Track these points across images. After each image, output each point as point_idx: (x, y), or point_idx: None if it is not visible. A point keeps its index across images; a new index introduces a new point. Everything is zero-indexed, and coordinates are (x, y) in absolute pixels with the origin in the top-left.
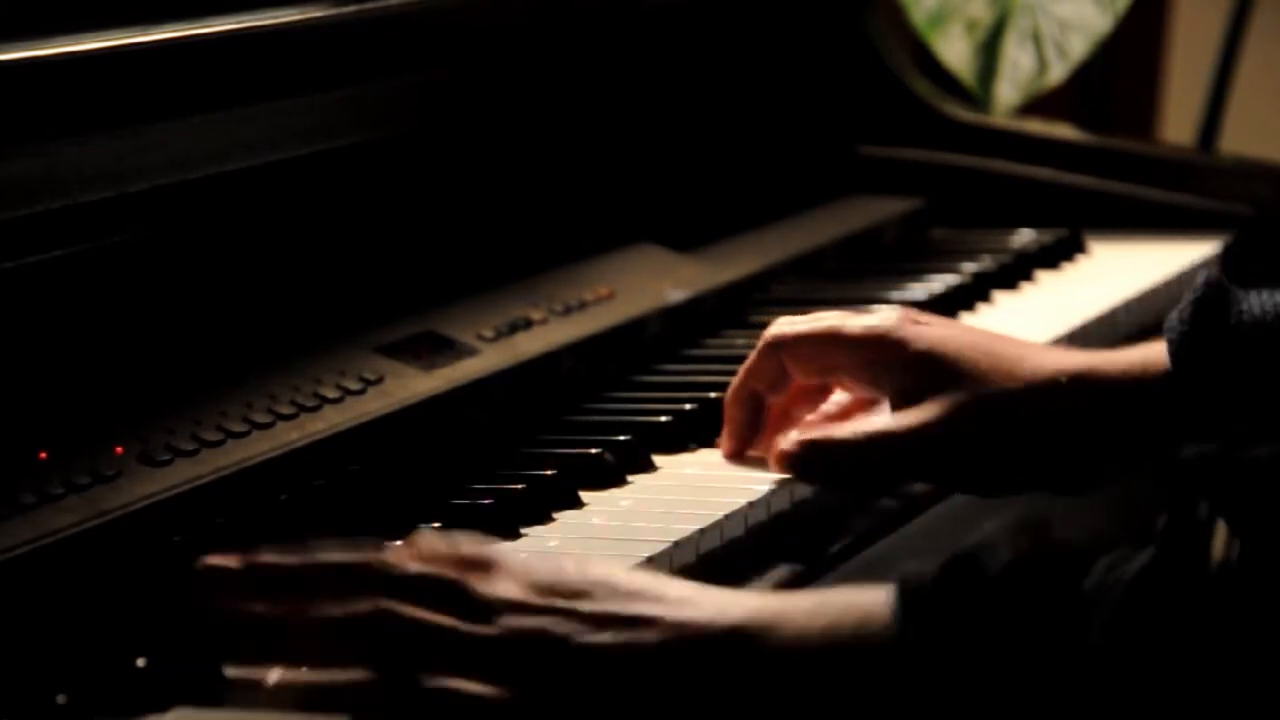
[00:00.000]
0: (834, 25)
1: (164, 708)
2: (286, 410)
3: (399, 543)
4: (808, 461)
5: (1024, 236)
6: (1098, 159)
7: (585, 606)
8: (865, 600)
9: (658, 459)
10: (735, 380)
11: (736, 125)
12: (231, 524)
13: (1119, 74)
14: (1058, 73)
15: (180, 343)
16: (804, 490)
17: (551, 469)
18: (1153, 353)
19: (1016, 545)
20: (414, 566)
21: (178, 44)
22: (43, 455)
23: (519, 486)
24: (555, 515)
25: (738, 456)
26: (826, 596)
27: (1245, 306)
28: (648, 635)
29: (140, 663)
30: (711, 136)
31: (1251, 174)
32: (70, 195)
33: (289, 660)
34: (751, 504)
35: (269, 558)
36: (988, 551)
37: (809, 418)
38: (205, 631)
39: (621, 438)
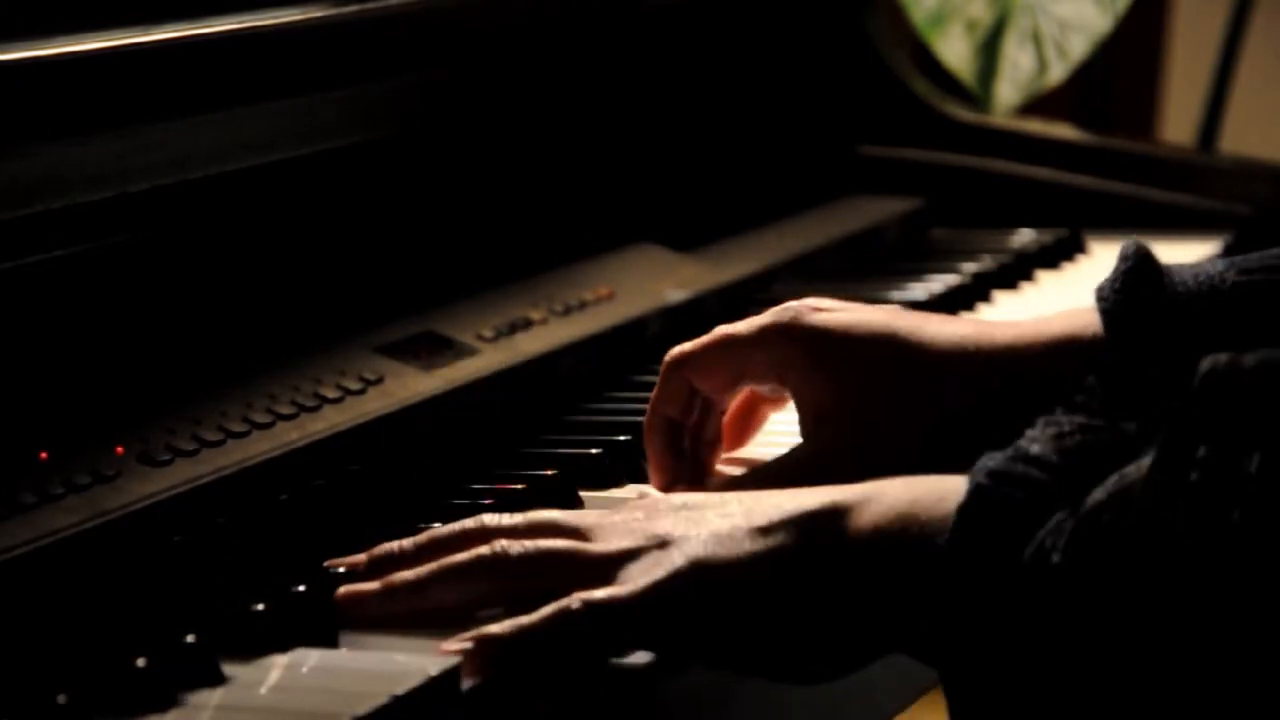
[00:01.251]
0: (834, 25)
1: (164, 707)
2: (286, 410)
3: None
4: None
5: (1024, 236)
6: (1098, 159)
7: (688, 513)
8: (948, 483)
9: None
10: (647, 411)
11: (736, 125)
12: (231, 524)
13: (1119, 74)
14: (1058, 73)
15: (180, 343)
16: None
17: (551, 469)
18: (1079, 322)
19: (1073, 433)
20: (517, 517)
21: (178, 44)
22: (43, 455)
23: (519, 486)
24: None
25: (669, 489)
26: (916, 479)
27: (1178, 278)
28: (755, 517)
29: (140, 663)
30: (711, 136)
31: (1251, 174)
32: (70, 195)
33: (417, 615)
34: None
35: (386, 546)
36: (1041, 435)
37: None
38: (207, 632)
39: (621, 438)
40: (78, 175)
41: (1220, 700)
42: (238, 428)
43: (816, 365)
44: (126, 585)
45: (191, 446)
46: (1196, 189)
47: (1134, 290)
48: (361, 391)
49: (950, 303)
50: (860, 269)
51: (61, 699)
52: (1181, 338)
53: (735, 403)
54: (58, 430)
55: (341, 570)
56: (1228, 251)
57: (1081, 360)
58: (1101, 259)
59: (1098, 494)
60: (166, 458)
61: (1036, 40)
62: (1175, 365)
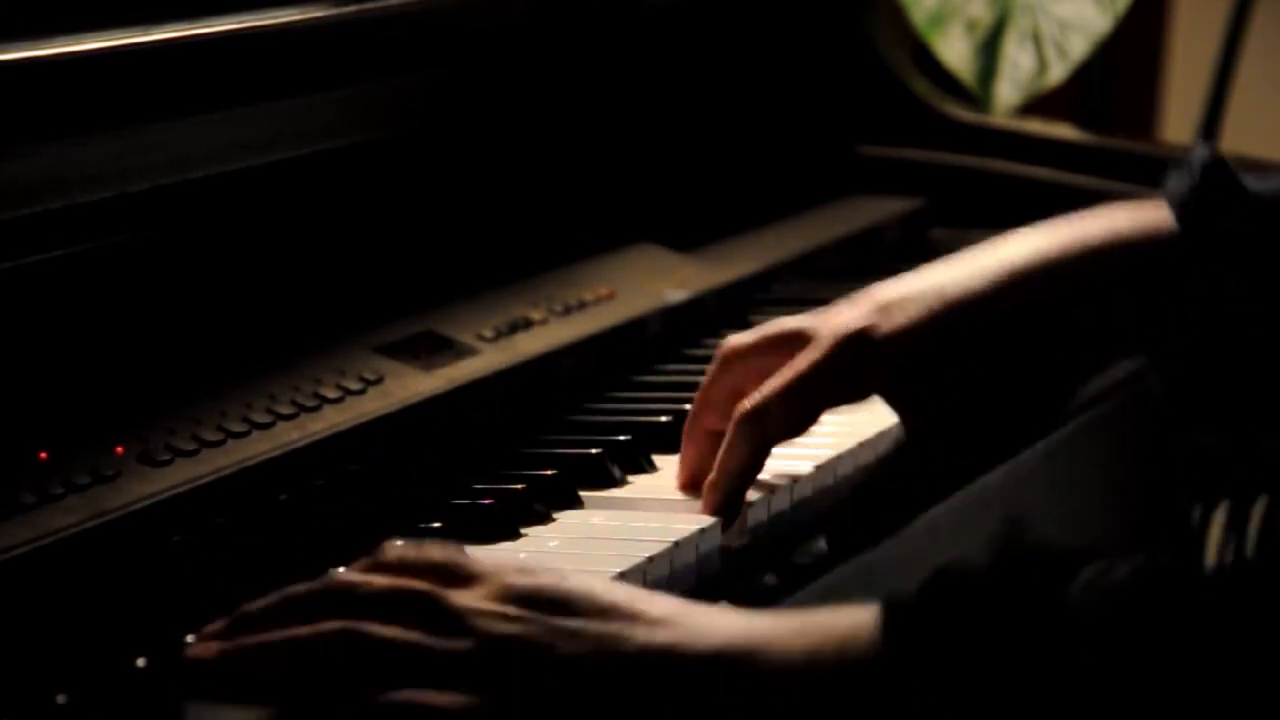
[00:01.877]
0: (834, 25)
1: (164, 708)
2: (286, 410)
3: (364, 560)
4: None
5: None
6: (1098, 159)
7: (561, 620)
8: (848, 620)
9: (658, 459)
10: (693, 408)
11: (736, 125)
12: (231, 524)
13: (1119, 74)
14: (1058, 73)
15: (180, 343)
16: (804, 490)
17: (551, 469)
18: (1149, 219)
19: (998, 554)
20: (380, 582)
21: (178, 44)
22: (43, 455)
23: (519, 486)
24: (555, 515)
25: (692, 488)
26: (810, 617)
27: (1251, 184)
28: (627, 650)
29: (140, 663)
30: (711, 136)
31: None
32: (70, 195)
33: (265, 694)
34: (751, 504)
35: (246, 608)
36: (969, 562)
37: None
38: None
39: (621, 438)
40: (78, 175)
41: None
42: (238, 428)
43: (895, 378)
44: (126, 585)
45: (191, 446)
46: None
47: (1209, 189)
48: (361, 391)
49: None
50: (860, 269)
51: (61, 699)
52: (1259, 244)
53: None
54: (58, 430)
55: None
56: None
57: (1155, 253)
58: None
59: (1083, 603)
60: (166, 458)
61: (1036, 40)
62: (1246, 269)
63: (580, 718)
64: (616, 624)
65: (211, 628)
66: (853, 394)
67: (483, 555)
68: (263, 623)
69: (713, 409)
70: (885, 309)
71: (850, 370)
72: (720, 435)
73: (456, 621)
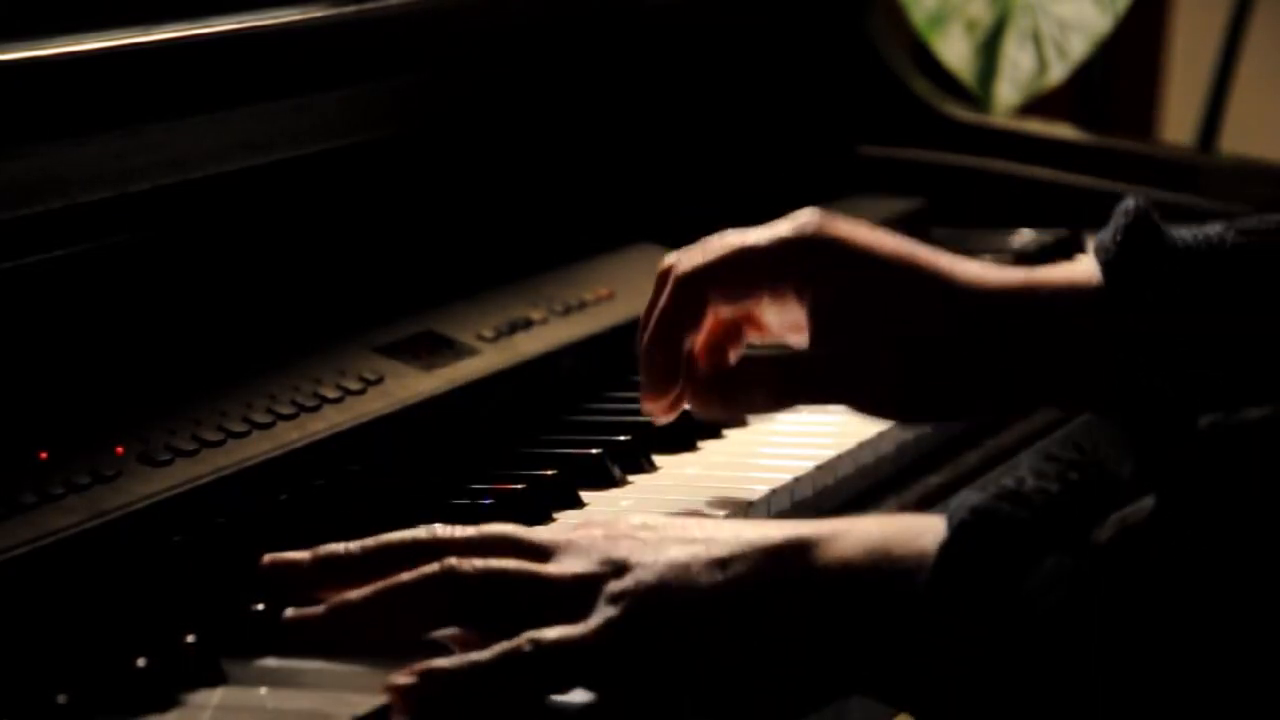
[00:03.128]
0: (834, 25)
1: (164, 708)
2: (286, 410)
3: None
4: (725, 382)
5: (1024, 236)
6: (1098, 159)
7: (648, 535)
8: (923, 521)
9: (658, 459)
10: (653, 325)
11: (737, 125)
12: (231, 524)
13: (1119, 74)
14: (1058, 73)
15: (180, 343)
16: (804, 491)
17: (551, 469)
18: (1079, 270)
19: (1059, 475)
20: (471, 530)
21: (178, 44)
22: (43, 455)
23: (519, 486)
24: (555, 515)
25: (661, 411)
26: (888, 517)
27: (1177, 234)
28: (716, 547)
29: (140, 663)
30: (711, 137)
31: (1251, 174)
32: (70, 195)
33: (366, 638)
34: (751, 504)
35: (333, 547)
36: (1037, 478)
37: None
38: (207, 632)
39: (621, 438)
40: (78, 175)
41: None
42: (238, 428)
43: (836, 276)
44: (126, 585)
45: (191, 446)
46: (1196, 189)
47: (1133, 242)
48: (361, 391)
49: None
50: None
51: (61, 699)
52: (1180, 292)
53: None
54: (58, 430)
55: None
56: None
57: (1080, 305)
58: None
59: (1100, 536)
60: (166, 458)
61: (1036, 40)
62: (1171, 318)
63: (677, 613)
64: (699, 529)
65: (295, 557)
66: (798, 279)
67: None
68: (354, 568)
69: (669, 330)
70: (851, 223)
71: (801, 249)
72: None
73: (550, 550)
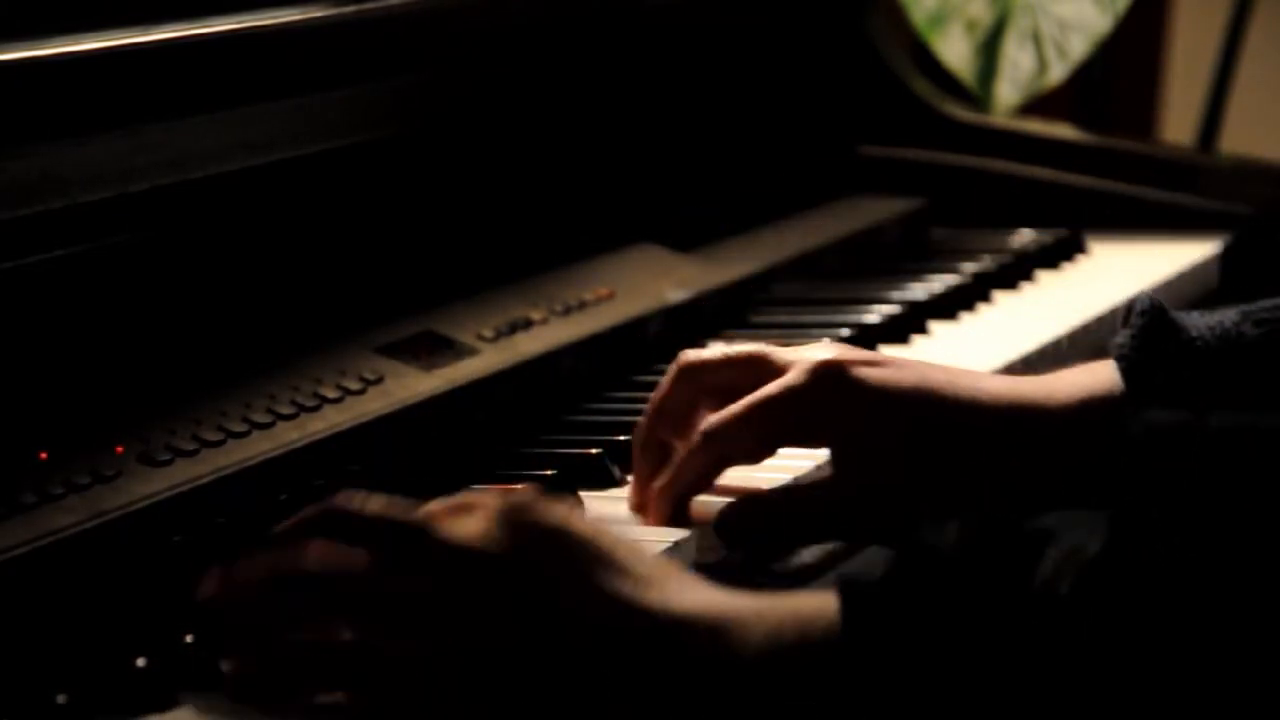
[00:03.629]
0: (834, 25)
1: (164, 708)
2: (286, 410)
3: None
4: (741, 525)
5: (1024, 236)
6: (1098, 159)
7: (553, 553)
8: (809, 604)
9: None
10: (645, 419)
11: (737, 125)
12: (231, 524)
13: (1119, 74)
14: (1058, 73)
15: (180, 343)
16: None
17: (551, 469)
18: (1098, 378)
19: (966, 532)
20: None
21: (178, 44)
22: (43, 455)
23: (519, 487)
24: None
25: (643, 506)
26: (777, 598)
27: (1194, 330)
28: (601, 598)
29: (140, 663)
30: (712, 136)
31: (1251, 174)
32: (70, 195)
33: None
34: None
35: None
36: (934, 544)
37: (730, 473)
38: (208, 632)
39: (621, 438)
40: (78, 175)
41: None
42: (238, 428)
43: (852, 419)
44: (126, 585)
45: (191, 446)
46: (1196, 189)
47: (1151, 344)
48: (361, 391)
49: (950, 303)
50: (861, 269)
51: (61, 699)
52: (1202, 392)
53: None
54: (58, 430)
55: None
56: (1227, 252)
57: (1101, 413)
58: (1101, 259)
59: (1052, 581)
60: (166, 458)
61: (1036, 40)
62: (1192, 425)
63: (538, 658)
64: (604, 572)
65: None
66: (818, 428)
67: None
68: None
69: (666, 421)
70: (868, 359)
71: (823, 403)
72: (670, 448)
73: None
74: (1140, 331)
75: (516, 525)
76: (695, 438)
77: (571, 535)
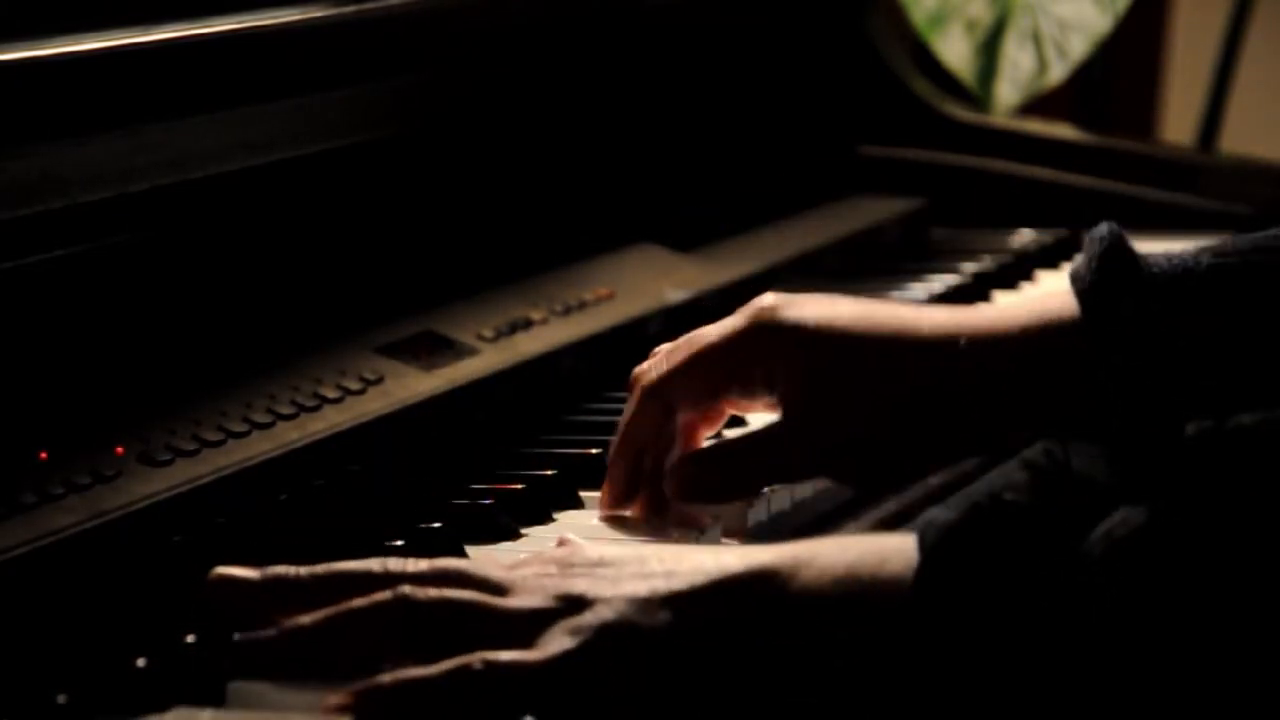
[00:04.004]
0: (834, 25)
1: (164, 708)
2: (286, 410)
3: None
4: (693, 477)
5: (1024, 236)
6: (1098, 159)
7: (606, 571)
8: (889, 543)
9: None
10: (617, 436)
11: (737, 125)
12: (231, 524)
13: (1119, 74)
14: (1058, 73)
15: (180, 343)
16: (805, 490)
17: (551, 469)
18: (1053, 304)
19: (1029, 486)
20: (423, 563)
21: (178, 44)
22: (43, 455)
23: (519, 486)
24: (555, 515)
25: (619, 509)
26: (851, 539)
27: (1152, 260)
28: (675, 582)
29: (140, 663)
30: (712, 136)
31: (1251, 174)
32: (70, 195)
33: (317, 665)
34: (751, 504)
35: (282, 570)
36: (1006, 490)
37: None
38: (207, 632)
39: None
40: (78, 175)
41: None
42: (238, 428)
43: (795, 358)
44: (126, 585)
45: (191, 446)
46: (1196, 189)
47: (1108, 270)
48: (361, 391)
49: (950, 303)
50: (860, 269)
51: (61, 699)
52: (1157, 317)
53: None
54: (58, 430)
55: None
56: None
57: (1057, 339)
58: None
59: (1091, 550)
60: (166, 458)
61: (1036, 40)
62: (1153, 350)
63: (638, 655)
64: (659, 564)
65: (239, 572)
66: (759, 369)
67: (483, 555)
68: (310, 591)
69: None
70: (804, 301)
71: (761, 344)
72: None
73: (501, 585)
74: (1097, 258)
75: (558, 561)
76: (635, 392)
77: (608, 558)
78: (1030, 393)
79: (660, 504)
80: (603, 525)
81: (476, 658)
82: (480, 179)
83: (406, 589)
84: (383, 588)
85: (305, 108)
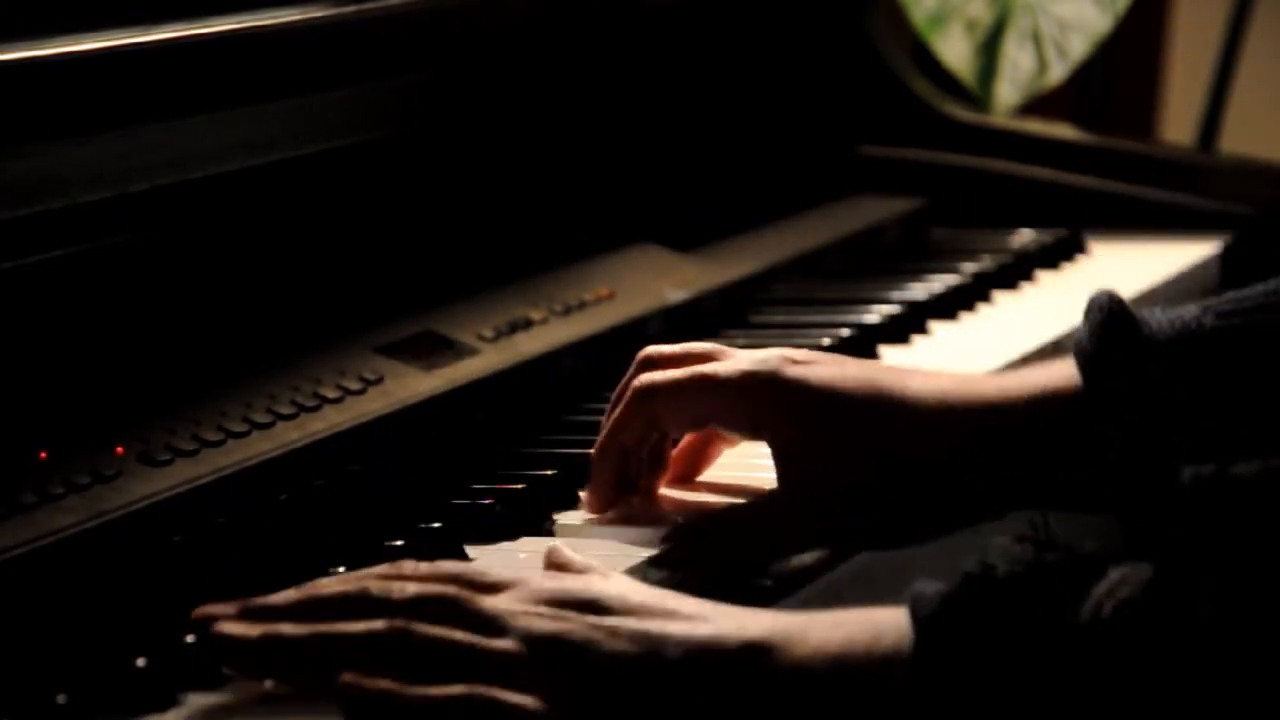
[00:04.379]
0: (834, 25)
1: (164, 708)
2: (286, 410)
3: (381, 567)
4: (693, 552)
5: (1024, 236)
6: (1098, 159)
7: (597, 619)
8: (881, 617)
9: None
10: (603, 433)
11: (737, 125)
12: (231, 524)
13: (1119, 74)
14: (1058, 73)
15: (180, 343)
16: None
17: (551, 469)
18: (1056, 374)
19: (1019, 555)
20: (411, 588)
21: (178, 44)
22: (43, 455)
23: (519, 486)
24: (555, 515)
25: (602, 513)
26: (843, 614)
27: (1154, 325)
28: (668, 649)
29: (140, 663)
30: (712, 136)
31: (1251, 174)
32: (70, 195)
33: (297, 676)
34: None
35: (262, 600)
36: (997, 560)
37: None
38: (208, 633)
39: None
40: (78, 175)
41: None
42: (238, 428)
43: (796, 418)
44: (126, 585)
45: (191, 446)
46: (1196, 189)
47: (1110, 340)
48: (361, 391)
49: (950, 303)
50: (860, 269)
51: (61, 699)
52: (1160, 385)
53: (691, 437)
54: (58, 430)
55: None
56: (1227, 252)
57: (1060, 412)
58: (1101, 259)
59: (1091, 613)
60: (166, 458)
61: (1036, 40)
62: (1154, 416)
63: (625, 712)
64: (652, 621)
65: (225, 610)
66: (749, 413)
67: (482, 555)
68: (292, 616)
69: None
70: (814, 360)
71: (754, 391)
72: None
73: (494, 622)
74: (1098, 326)
75: (552, 599)
76: (628, 393)
77: (604, 598)
78: (1029, 463)
79: (648, 505)
80: (604, 525)
81: (481, 692)
82: (480, 179)
83: (401, 624)
84: (372, 611)
85: (305, 108)
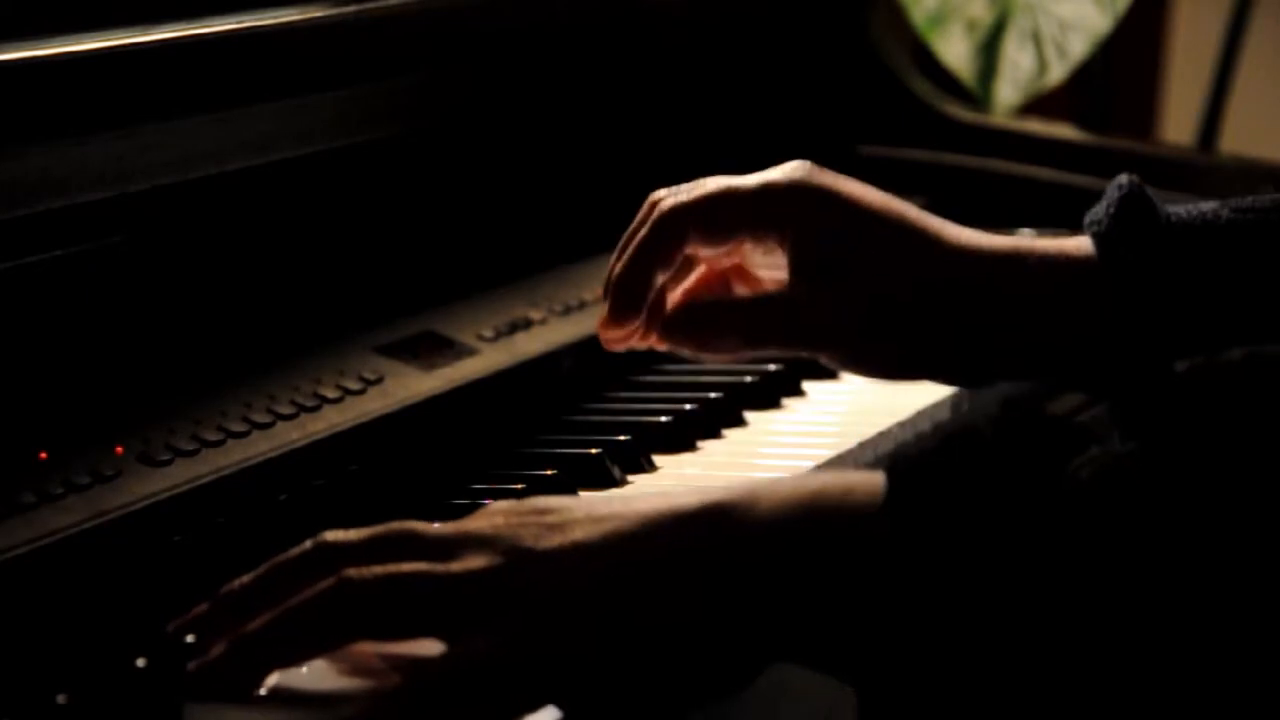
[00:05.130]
0: (834, 25)
1: (164, 708)
2: (286, 410)
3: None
4: (693, 323)
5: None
6: (1098, 159)
7: (552, 519)
8: (853, 475)
9: (658, 459)
10: (629, 253)
11: (737, 124)
12: (231, 524)
13: (1119, 74)
14: (1058, 73)
15: (180, 343)
16: None
17: (551, 469)
18: (1071, 244)
19: (1003, 426)
20: (357, 534)
21: (178, 44)
22: (43, 455)
23: (519, 486)
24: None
25: (617, 340)
26: (812, 474)
27: (1171, 210)
28: (626, 526)
29: (140, 663)
30: (712, 135)
31: (1251, 174)
32: (70, 195)
33: (278, 663)
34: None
35: (229, 586)
36: (980, 422)
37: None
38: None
39: (621, 437)
40: (77, 175)
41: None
42: (238, 428)
43: (819, 220)
44: (126, 585)
45: (191, 446)
46: (1196, 189)
47: (1126, 216)
48: (361, 391)
49: None
50: None
51: (61, 699)
52: (1174, 265)
53: (707, 274)
54: (58, 430)
55: (188, 638)
56: None
57: (1070, 276)
58: None
59: (1079, 473)
60: (166, 458)
61: (1036, 40)
62: (1165, 295)
63: (592, 597)
64: (606, 506)
65: (198, 611)
66: (779, 213)
67: None
68: (251, 600)
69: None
70: (841, 176)
71: (786, 190)
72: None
73: (448, 545)
74: (1117, 205)
75: (498, 512)
76: (651, 213)
77: (552, 503)
78: (1034, 324)
79: (668, 335)
80: None
81: (436, 671)
82: (480, 179)
83: (349, 572)
84: (325, 567)
85: (305, 108)
